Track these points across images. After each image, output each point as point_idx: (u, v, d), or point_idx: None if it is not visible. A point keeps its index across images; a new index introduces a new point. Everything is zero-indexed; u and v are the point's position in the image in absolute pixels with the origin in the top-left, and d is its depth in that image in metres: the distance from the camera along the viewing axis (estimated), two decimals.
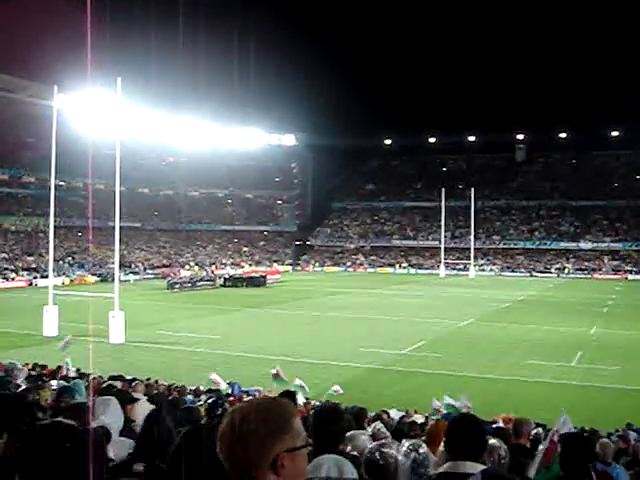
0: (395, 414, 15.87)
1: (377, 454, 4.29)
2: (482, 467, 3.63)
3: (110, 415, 5.39)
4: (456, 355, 32.62)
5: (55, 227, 43.47)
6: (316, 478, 1.86)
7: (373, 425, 5.94)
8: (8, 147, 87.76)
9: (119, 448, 4.75)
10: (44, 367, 19.88)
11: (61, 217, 78.16)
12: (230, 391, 19.64)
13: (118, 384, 13.35)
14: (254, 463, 2.11)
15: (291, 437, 2.19)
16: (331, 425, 4.27)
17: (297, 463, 2.19)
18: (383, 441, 4.62)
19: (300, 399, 17.22)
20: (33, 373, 16.37)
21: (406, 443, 4.77)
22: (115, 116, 42.75)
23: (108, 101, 56.98)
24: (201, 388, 19.88)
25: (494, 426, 10.62)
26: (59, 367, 19.43)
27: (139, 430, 4.73)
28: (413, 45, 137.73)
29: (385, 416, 13.72)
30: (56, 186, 43.66)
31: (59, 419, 3.37)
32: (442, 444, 4.46)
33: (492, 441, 5.39)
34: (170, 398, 12.74)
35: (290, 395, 6.65)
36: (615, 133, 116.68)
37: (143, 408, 6.26)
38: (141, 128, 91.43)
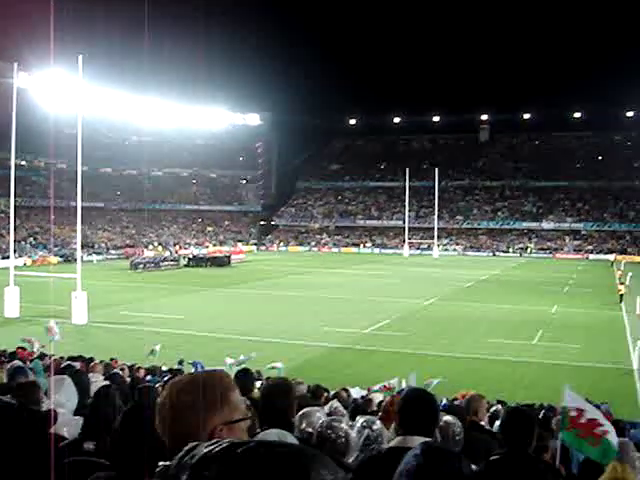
0: (356, 393, 15.96)
1: (328, 429, 4.33)
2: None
3: (64, 394, 5.37)
4: (419, 334, 32.85)
5: (16, 207, 42.82)
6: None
7: (330, 403, 5.97)
8: None
9: (73, 427, 4.74)
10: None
11: (22, 197, 77.24)
12: (193, 370, 19.62)
13: (78, 365, 13.27)
14: (191, 436, 2.10)
15: (228, 410, 2.19)
16: (278, 400, 4.29)
17: (235, 436, 2.19)
18: (334, 417, 4.65)
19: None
20: None
21: (360, 419, 4.82)
22: (77, 95, 42.22)
23: (70, 79, 56.36)
24: (163, 368, 19.84)
25: (450, 402, 10.73)
26: (19, 348, 19.31)
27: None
28: (378, 25, 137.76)
29: (344, 394, 13.78)
30: (17, 166, 43.16)
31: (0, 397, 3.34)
32: None
33: (446, 417, 5.45)
34: (130, 378, 12.71)
35: (247, 373, 6.66)
36: (577, 115, 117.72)
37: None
38: (104, 107, 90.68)
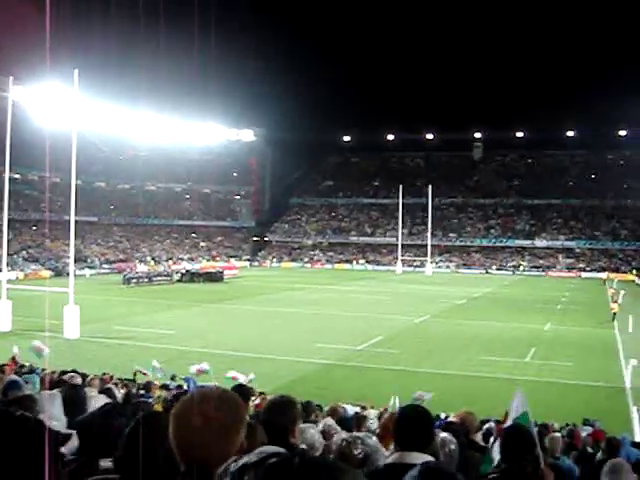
0: (350, 409, 15.90)
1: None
2: (427, 457, 3.66)
3: (57, 408, 5.33)
4: (412, 351, 32.82)
5: (9, 221, 42.78)
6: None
7: (324, 421, 5.95)
8: None
9: (71, 442, 4.70)
10: None
11: (16, 210, 77.18)
12: (185, 386, 19.54)
13: (79, 379, 13.19)
14: (228, 455, 2.11)
15: (244, 427, 2.25)
16: (278, 418, 4.22)
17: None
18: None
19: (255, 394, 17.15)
20: None
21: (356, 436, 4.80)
22: (72, 109, 42.26)
23: (65, 93, 56.42)
24: (156, 383, 19.74)
25: (448, 420, 10.71)
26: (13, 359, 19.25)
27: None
28: (372, 42, 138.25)
29: (340, 410, 13.72)
30: (11, 179, 43.09)
31: (9, 409, 3.29)
32: None
33: (443, 435, 5.45)
34: (124, 392, 12.66)
35: (242, 388, 6.63)
36: (570, 133, 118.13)
37: (100, 403, 6.20)
38: (99, 121, 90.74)
